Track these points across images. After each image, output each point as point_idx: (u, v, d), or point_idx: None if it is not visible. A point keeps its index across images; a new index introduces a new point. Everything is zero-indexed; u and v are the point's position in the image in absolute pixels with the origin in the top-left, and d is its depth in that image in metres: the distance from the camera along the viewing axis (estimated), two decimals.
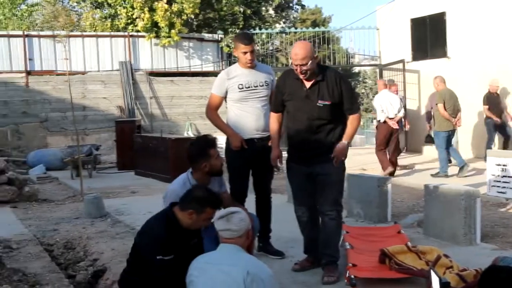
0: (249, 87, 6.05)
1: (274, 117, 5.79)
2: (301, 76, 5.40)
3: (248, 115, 6.07)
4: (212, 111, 6.25)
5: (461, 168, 12.12)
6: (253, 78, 6.08)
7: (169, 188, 5.41)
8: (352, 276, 5.17)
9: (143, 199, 10.59)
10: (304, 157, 5.57)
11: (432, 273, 4.46)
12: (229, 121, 6.18)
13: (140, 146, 14.57)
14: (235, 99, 6.09)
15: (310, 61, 5.31)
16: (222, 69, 21.00)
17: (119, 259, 6.43)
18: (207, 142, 5.37)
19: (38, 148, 17.73)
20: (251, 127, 6.07)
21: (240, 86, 6.04)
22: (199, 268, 3.88)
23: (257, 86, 6.08)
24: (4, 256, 6.60)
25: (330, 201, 5.54)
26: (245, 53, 6.00)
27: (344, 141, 5.42)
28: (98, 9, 23.26)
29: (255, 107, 6.09)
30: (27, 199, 10.75)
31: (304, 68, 5.31)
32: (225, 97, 6.18)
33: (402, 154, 14.57)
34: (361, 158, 14.32)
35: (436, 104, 12.23)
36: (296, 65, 5.34)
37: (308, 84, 5.45)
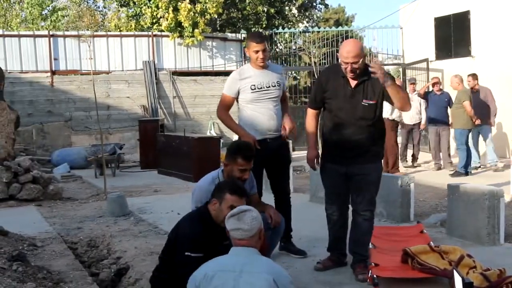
0: (261, 88, 6.00)
1: (312, 115, 5.73)
2: (349, 75, 5.33)
3: (261, 115, 6.02)
4: (224, 112, 6.19)
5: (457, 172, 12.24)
6: (265, 78, 6.04)
7: (197, 185, 5.42)
8: (375, 276, 5.16)
9: (166, 198, 10.65)
10: (341, 156, 5.51)
11: (455, 273, 4.44)
12: (241, 122, 6.14)
13: (163, 145, 14.64)
14: (248, 100, 6.04)
15: (361, 60, 5.27)
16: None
17: (142, 258, 6.47)
18: (244, 150, 5.27)
19: (63, 147, 17.89)
20: (264, 127, 6.03)
21: (253, 87, 5.99)
22: (212, 276, 3.62)
23: (269, 87, 6.04)
24: (29, 254, 6.65)
25: (367, 201, 5.52)
26: (257, 51, 5.94)
27: (389, 81, 5.20)
28: (123, 8, 23.40)
29: (267, 108, 6.05)
30: (52, 198, 10.85)
31: (355, 66, 5.24)
32: (236, 98, 6.14)
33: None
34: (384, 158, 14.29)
35: (462, 101, 12.11)
36: (347, 63, 5.25)
37: (353, 83, 5.39)
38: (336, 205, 5.70)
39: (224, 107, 6.18)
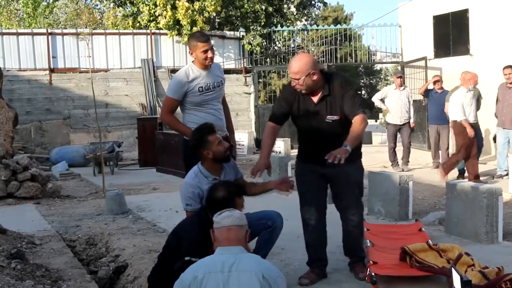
0: (208, 89, 5.86)
1: (271, 128, 5.46)
2: (298, 90, 5.15)
3: (210, 116, 5.82)
4: (169, 115, 5.94)
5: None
6: (211, 79, 5.90)
7: (182, 183, 5.36)
8: (373, 274, 5.15)
9: (164, 196, 10.64)
10: (318, 160, 5.11)
11: (454, 271, 4.44)
12: (189, 125, 5.86)
13: (161, 143, 14.63)
14: (196, 102, 5.85)
15: (304, 77, 5.02)
16: (244, 67, 21.13)
17: (140, 255, 6.48)
18: (205, 129, 5.22)
19: (61, 145, 17.88)
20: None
21: (201, 89, 5.81)
22: (202, 278, 3.57)
23: (215, 87, 5.91)
24: (28, 251, 6.66)
25: (352, 204, 5.40)
26: (206, 51, 5.79)
27: (347, 146, 4.86)
28: (120, 7, 23.37)
29: (215, 108, 5.94)
30: (50, 196, 10.85)
31: (297, 82, 5.06)
32: (181, 100, 5.91)
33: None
34: (382, 156, 14.26)
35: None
36: (293, 79, 5.10)
37: (315, 99, 5.19)
38: (313, 207, 5.40)
39: (169, 111, 5.94)
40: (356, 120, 5.07)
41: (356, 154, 5.31)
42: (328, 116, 5.16)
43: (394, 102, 12.94)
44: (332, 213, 5.57)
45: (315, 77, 5.09)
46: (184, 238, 4.52)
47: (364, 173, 5.66)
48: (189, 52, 5.97)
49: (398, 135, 13.36)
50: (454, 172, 11.63)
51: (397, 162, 13.13)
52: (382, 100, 13.28)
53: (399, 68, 20.04)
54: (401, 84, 13.23)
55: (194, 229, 4.47)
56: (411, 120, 13.14)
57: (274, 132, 5.46)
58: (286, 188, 5.38)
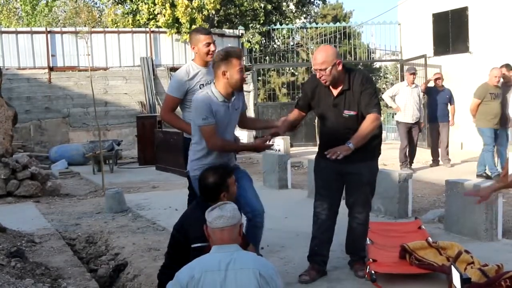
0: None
1: (295, 112, 5.58)
2: (322, 82, 5.19)
3: None
4: (170, 113, 5.86)
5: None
6: (211, 76, 5.66)
7: (195, 98, 5.11)
8: (373, 272, 5.16)
9: (164, 194, 10.64)
10: None
11: (453, 269, 4.44)
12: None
13: (161, 141, 14.63)
14: None
15: (330, 67, 5.08)
16: (244, 65, 21.11)
17: (140, 254, 6.49)
18: (234, 52, 5.07)
19: (61, 143, 17.89)
20: None
21: (202, 87, 5.67)
22: (199, 278, 3.55)
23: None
24: (27, 250, 6.66)
25: (361, 203, 5.42)
26: (208, 44, 5.69)
27: (350, 144, 4.93)
28: (120, 5, 23.36)
29: None
30: (50, 194, 10.86)
31: (323, 73, 5.09)
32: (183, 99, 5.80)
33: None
34: (382, 154, 14.21)
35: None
36: (316, 70, 5.15)
37: (335, 92, 5.24)
38: (326, 203, 5.45)
39: (170, 109, 5.86)
40: (368, 119, 5.12)
41: (371, 153, 5.43)
42: (345, 111, 5.21)
43: (406, 100, 12.53)
44: (339, 212, 5.58)
45: (340, 67, 5.17)
46: (191, 228, 4.48)
47: (377, 175, 5.63)
48: (191, 47, 5.87)
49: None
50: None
51: (407, 163, 12.58)
52: (393, 98, 12.97)
53: (398, 66, 20.03)
54: (413, 81, 12.76)
55: (199, 216, 4.45)
56: (421, 119, 12.83)
57: (297, 116, 5.58)
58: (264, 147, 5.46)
